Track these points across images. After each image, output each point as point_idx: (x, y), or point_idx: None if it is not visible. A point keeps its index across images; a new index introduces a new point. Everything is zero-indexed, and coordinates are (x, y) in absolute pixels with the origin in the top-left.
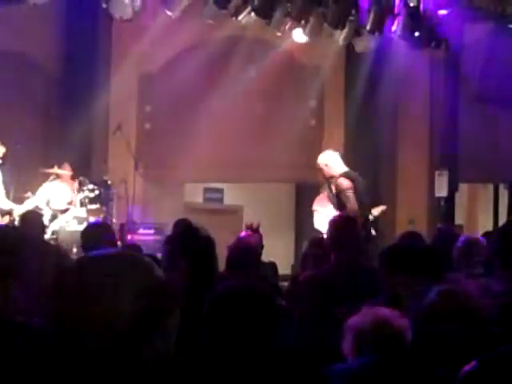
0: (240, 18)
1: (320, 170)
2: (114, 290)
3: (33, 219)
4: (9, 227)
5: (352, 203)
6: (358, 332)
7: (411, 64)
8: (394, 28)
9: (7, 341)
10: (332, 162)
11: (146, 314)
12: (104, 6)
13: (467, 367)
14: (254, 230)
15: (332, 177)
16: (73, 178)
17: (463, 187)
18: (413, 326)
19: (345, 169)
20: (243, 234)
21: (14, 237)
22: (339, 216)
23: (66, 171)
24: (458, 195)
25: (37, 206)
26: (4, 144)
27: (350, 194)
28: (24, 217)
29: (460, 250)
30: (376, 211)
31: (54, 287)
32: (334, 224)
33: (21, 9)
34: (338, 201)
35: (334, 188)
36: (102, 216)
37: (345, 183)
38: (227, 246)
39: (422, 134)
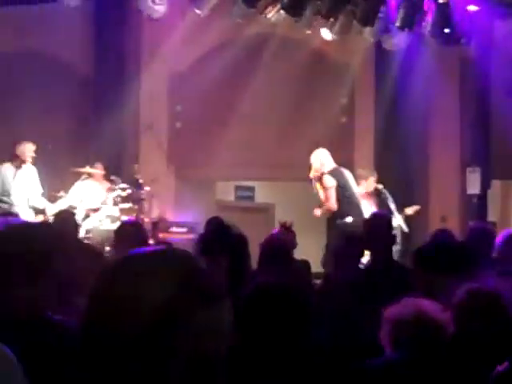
0: (269, 15)
1: (313, 166)
2: (147, 289)
3: (66, 218)
4: (43, 225)
5: (331, 202)
6: (398, 323)
7: (441, 61)
8: (423, 25)
9: (37, 338)
10: (325, 159)
11: (182, 310)
12: (139, 7)
13: (500, 368)
14: (288, 228)
15: (322, 173)
16: (105, 177)
17: (496, 184)
18: None
19: (333, 165)
20: (275, 231)
21: (48, 235)
22: (373, 215)
23: (98, 170)
24: (490, 192)
25: (70, 206)
26: (35, 143)
27: (331, 192)
28: (57, 216)
29: (500, 247)
30: (410, 210)
31: (91, 286)
32: (367, 223)
33: (52, 10)
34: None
35: (321, 184)
36: (134, 215)
37: (329, 182)
38: (259, 243)
39: (454, 130)
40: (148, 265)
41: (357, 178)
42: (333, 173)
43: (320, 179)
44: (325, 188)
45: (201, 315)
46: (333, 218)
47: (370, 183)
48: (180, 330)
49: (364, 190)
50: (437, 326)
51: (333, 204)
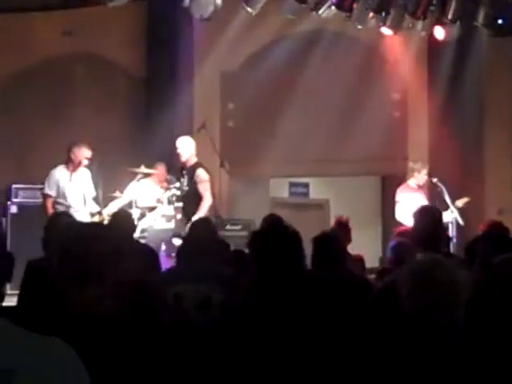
0: (320, 12)
1: (182, 155)
2: None
3: (123, 219)
4: (103, 227)
5: (210, 194)
6: None
7: (494, 52)
8: (476, 16)
9: (100, 334)
10: (194, 150)
11: None
12: (185, 4)
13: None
14: (344, 223)
15: (195, 165)
16: (165, 177)
17: None
18: None
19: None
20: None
21: (109, 237)
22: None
23: (154, 170)
24: None
25: (125, 205)
26: (89, 143)
27: (209, 185)
28: (114, 216)
29: None
30: (460, 203)
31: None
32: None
33: (104, 11)
34: (194, 190)
35: (195, 177)
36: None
37: (206, 175)
38: (312, 238)
39: (509, 122)
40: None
41: (409, 172)
42: (204, 166)
43: (189, 171)
44: (202, 181)
45: None
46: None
47: (422, 176)
48: None
49: (416, 182)
50: None
51: (210, 197)
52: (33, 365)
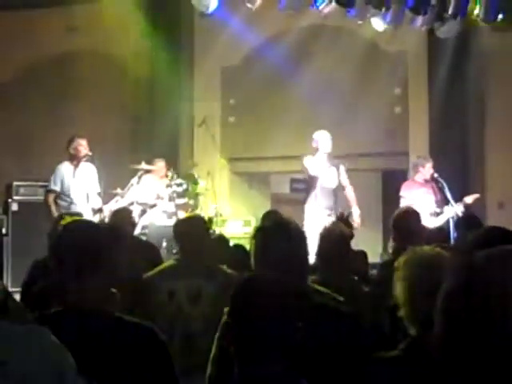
0: (320, 7)
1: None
2: None
3: (123, 216)
4: (100, 224)
5: None
6: None
7: (495, 46)
8: (476, 11)
9: (100, 333)
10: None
11: None
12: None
13: None
14: (345, 219)
15: None
16: (166, 174)
17: None
18: None
19: None
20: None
21: (105, 234)
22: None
23: (154, 167)
24: None
25: (127, 203)
26: (90, 141)
27: None
28: (115, 214)
29: None
30: (469, 199)
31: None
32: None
33: (104, 8)
34: None
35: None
36: (190, 210)
37: None
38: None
39: (511, 116)
40: None
41: (413, 167)
42: None
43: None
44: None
45: None
46: None
47: (428, 170)
48: None
49: (422, 177)
50: None
51: None
52: (22, 355)
